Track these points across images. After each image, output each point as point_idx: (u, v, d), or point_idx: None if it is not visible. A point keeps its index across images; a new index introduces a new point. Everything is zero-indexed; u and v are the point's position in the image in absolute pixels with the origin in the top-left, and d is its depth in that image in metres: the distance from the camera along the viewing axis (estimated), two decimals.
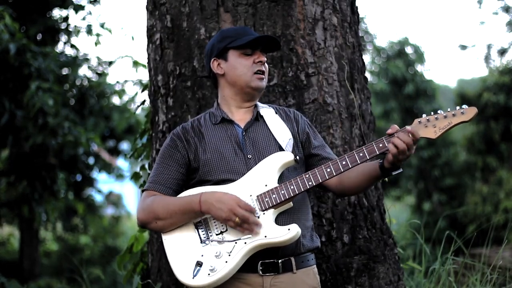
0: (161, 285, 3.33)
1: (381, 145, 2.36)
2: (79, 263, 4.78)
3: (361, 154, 2.38)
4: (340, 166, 2.39)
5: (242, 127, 2.53)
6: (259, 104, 2.63)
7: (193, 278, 2.29)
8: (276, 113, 2.61)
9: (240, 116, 2.56)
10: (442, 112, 2.37)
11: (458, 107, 2.36)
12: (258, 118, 2.57)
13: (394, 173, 2.40)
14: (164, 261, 3.33)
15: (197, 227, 2.38)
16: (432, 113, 2.39)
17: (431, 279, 3.76)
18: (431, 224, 10.98)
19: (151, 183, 2.49)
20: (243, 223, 2.29)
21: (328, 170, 2.39)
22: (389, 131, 2.35)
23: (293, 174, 2.48)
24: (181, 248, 2.36)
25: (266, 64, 2.57)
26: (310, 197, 3.12)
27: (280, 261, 2.38)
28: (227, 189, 2.38)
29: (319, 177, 2.39)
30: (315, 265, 2.53)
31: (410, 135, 2.32)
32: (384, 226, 3.36)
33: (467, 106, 2.35)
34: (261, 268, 2.36)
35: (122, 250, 3.79)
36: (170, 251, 2.38)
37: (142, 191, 2.53)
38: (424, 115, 2.38)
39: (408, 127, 2.33)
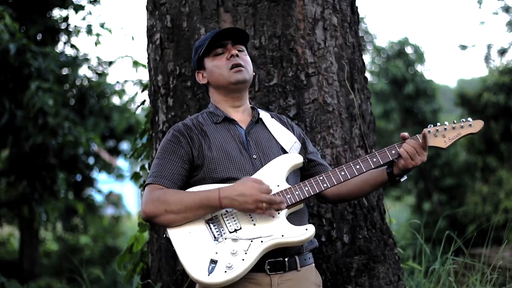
0: (161, 285, 3.32)
1: (393, 151, 2.46)
2: (79, 263, 4.77)
3: (374, 160, 2.45)
4: (355, 170, 2.45)
5: (244, 128, 2.54)
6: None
7: (208, 275, 2.25)
8: (272, 117, 2.66)
9: (239, 117, 2.57)
10: (450, 124, 2.51)
11: (464, 120, 2.51)
12: (257, 120, 2.59)
13: (401, 179, 2.50)
14: (164, 261, 3.33)
15: (209, 224, 2.34)
16: (438, 124, 2.51)
17: (431, 279, 3.76)
18: (431, 224, 10.96)
19: (155, 177, 2.41)
20: (270, 206, 2.30)
21: (343, 173, 2.44)
22: (402, 134, 2.46)
23: (293, 177, 2.51)
24: (193, 245, 2.31)
25: (243, 55, 2.57)
26: (310, 198, 3.12)
27: (286, 259, 2.40)
28: None
29: (334, 180, 2.44)
30: (313, 263, 2.55)
31: (421, 138, 2.42)
32: (384, 226, 3.36)
33: (471, 120, 2.51)
34: (268, 267, 2.37)
35: (122, 250, 3.79)
36: (181, 248, 2.31)
37: (145, 186, 2.45)
38: (431, 125, 2.52)
39: (425, 130, 2.45)
